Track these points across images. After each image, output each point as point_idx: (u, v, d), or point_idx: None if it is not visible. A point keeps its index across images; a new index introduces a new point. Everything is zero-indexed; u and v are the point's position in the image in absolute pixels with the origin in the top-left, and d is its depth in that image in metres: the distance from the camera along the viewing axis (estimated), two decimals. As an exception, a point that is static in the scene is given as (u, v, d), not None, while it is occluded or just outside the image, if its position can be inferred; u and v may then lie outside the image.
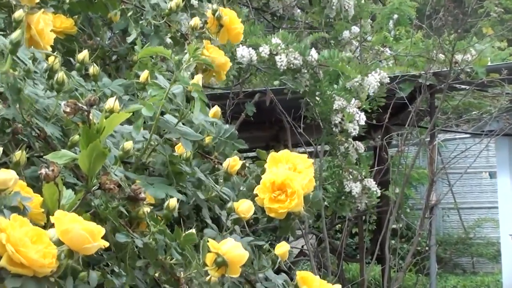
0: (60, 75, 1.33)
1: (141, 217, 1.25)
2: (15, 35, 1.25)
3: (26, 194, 1.12)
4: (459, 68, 3.97)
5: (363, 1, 4.44)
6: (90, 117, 1.22)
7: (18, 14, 1.39)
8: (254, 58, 3.12)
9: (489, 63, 4.16)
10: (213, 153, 1.61)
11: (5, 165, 1.20)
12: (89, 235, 1.01)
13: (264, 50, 3.13)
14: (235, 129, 1.65)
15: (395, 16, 4.65)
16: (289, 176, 1.43)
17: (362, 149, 3.46)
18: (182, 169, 1.42)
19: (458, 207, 8.11)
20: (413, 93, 4.23)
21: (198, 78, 1.42)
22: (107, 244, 1.04)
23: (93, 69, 1.54)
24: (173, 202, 1.30)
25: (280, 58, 3.13)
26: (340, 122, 3.21)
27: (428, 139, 4.43)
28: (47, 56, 1.44)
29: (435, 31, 4.16)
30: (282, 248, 1.43)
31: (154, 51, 1.56)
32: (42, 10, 1.45)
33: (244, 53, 3.09)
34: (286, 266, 1.48)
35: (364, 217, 4.94)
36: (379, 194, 3.47)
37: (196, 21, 1.82)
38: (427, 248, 5.14)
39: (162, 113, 1.38)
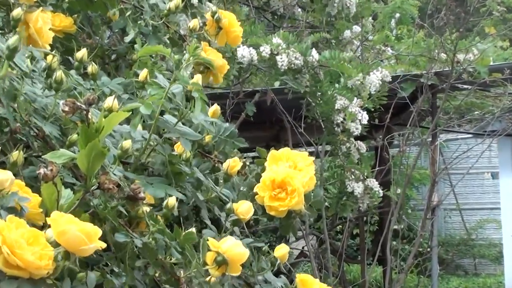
0: (59, 74, 1.33)
1: (140, 216, 1.25)
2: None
3: (24, 194, 1.12)
4: (461, 67, 3.97)
5: (364, -1, 4.44)
6: (89, 116, 1.22)
7: (17, 12, 1.39)
8: (255, 58, 3.12)
9: (491, 63, 4.15)
10: (213, 152, 1.61)
11: (3, 165, 1.20)
12: (85, 237, 1.01)
13: (265, 49, 3.13)
14: (235, 128, 1.65)
15: (397, 15, 4.64)
16: (290, 174, 1.43)
17: (364, 149, 3.46)
18: (181, 169, 1.42)
19: (460, 208, 8.11)
20: (415, 93, 4.23)
21: (198, 78, 1.42)
22: (104, 245, 1.04)
23: (92, 67, 1.54)
24: (172, 201, 1.30)
25: (281, 58, 3.13)
26: (342, 122, 3.21)
27: (430, 139, 4.42)
28: (46, 54, 1.44)
29: (437, 30, 4.16)
30: (281, 250, 1.43)
31: (154, 50, 1.56)
32: (41, 8, 1.45)
33: (244, 53, 3.09)
34: (286, 268, 1.47)
35: (365, 218, 4.94)
36: (381, 194, 3.47)
37: (195, 22, 1.82)
38: (428, 249, 5.13)
39: (162, 113, 1.38)
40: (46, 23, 1.46)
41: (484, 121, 4.76)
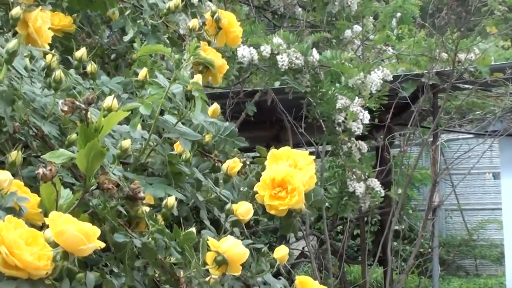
0: (58, 73, 1.33)
1: (140, 216, 1.25)
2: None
3: (22, 195, 1.12)
4: (463, 67, 3.96)
5: (366, -2, 4.44)
6: (88, 115, 1.22)
7: (16, 11, 1.39)
8: (255, 58, 3.11)
9: (492, 62, 4.15)
10: (213, 151, 1.61)
11: (1, 165, 1.20)
12: (84, 237, 1.01)
13: (266, 49, 3.13)
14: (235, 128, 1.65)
15: (398, 14, 4.64)
16: (290, 172, 1.43)
17: (365, 148, 3.46)
18: (181, 169, 1.42)
19: (461, 209, 8.11)
20: (416, 93, 4.22)
21: (198, 78, 1.42)
22: (103, 245, 1.04)
23: (91, 66, 1.54)
24: (171, 200, 1.30)
25: (282, 58, 3.13)
26: (343, 121, 3.21)
27: (431, 139, 4.42)
28: (45, 54, 1.44)
29: (438, 29, 4.16)
30: (281, 252, 1.43)
31: (154, 49, 1.56)
32: (40, 7, 1.45)
33: (245, 53, 3.09)
34: (287, 269, 1.47)
35: (366, 219, 4.94)
36: (383, 194, 3.47)
37: (194, 22, 1.82)
38: (429, 250, 5.13)
39: (162, 112, 1.38)
40: (45, 22, 1.46)
41: (486, 121, 4.76)
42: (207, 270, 1.25)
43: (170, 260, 1.25)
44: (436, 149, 4.40)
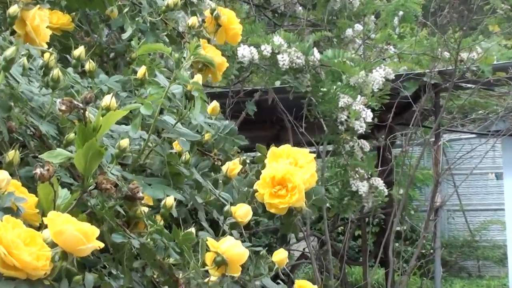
0: (56, 72, 1.33)
1: (138, 217, 1.25)
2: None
3: (20, 195, 1.12)
4: (465, 66, 3.97)
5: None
6: (86, 115, 1.22)
7: (13, 10, 1.39)
8: (256, 57, 3.12)
9: (495, 61, 4.15)
10: (213, 150, 1.61)
11: (-1, 165, 1.20)
12: (83, 236, 1.01)
13: (266, 48, 3.13)
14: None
15: (400, 12, 4.64)
16: (290, 170, 1.42)
17: (367, 147, 3.46)
18: (180, 169, 1.42)
19: (463, 209, 8.12)
20: (418, 92, 4.23)
21: (199, 78, 1.42)
22: (102, 245, 1.04)
23: (89, 65, 1.54)
24: (170, 200, 1.30)
25: (283, 57, 3.13)
26: (346, 120, 3.21)
27: (433, 139, 4.42)
28: (43, 52, 1.44)
29: (440, 28, 4.16)
30: (280, 255, 1.42)
31: (154, 48, 1.56)
32: (38, 6, 1.45)
33: (245, 52, 3.10)
34: (287, 270, 1.47)
35: (367, 219, 4.94)
36: (386, 193, 3.47)
37: (194, 19, 1.82)
38: (431, 251, 5.13)
39: (161, 111, 1.38)
40: (43, 21, 1.46)
41: (488, 121, 4.76)
42: (206, 271, 1.25)
43: (169, 261, 1.25)
44: (438, 149, 4.40)
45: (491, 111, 4.86)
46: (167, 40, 2.02)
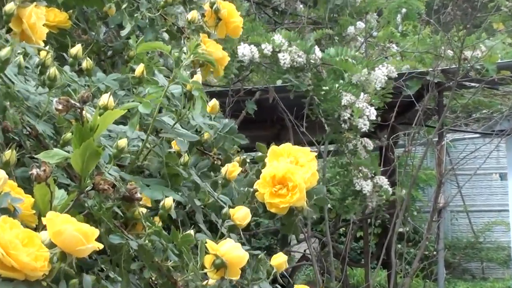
0: (52, 70, 1.32)
1: (136, 218, 1.25)
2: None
3: (17, 195, 1.12)
4: (469, 65, 3.97)
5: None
6: (84, 114, 1.22)
7: (9, 7, 1.39)
8: (256, 56, 3.12)
9: (499, 60, 4.15)
10: (212, 149, 1.61)
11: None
12: (82, 237, 1.01)
13: (267, 47, 3.13)
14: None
15: (403, 10, 4.64)
16: (290, 169, 1.42)
17: (371, 146, 3.46)
18: (178, 170, 1.42)
19: (467, 210, 8.11)
20: (421, 91, 4.22)
21: (198, 78, 1.42)
22: (101, 246, 1.04)
23: (87, 63, 1.53)
24: (168, 202, 1.30)
25: (283, 56, 3.13)
26: (349, 118, 3.21)
27: (436, 139, 4.42)
28: (39, 51, 1.44)
29: (443, 26, 4.16)
30: (278, 259, 1.42)
31: (153, 46, 1.56)
32: (34, 3, 1.45)
33: (245, 51, 3.10)
34: (288, 272, 1.47)
35: (369, 220, 4.94)
36: (391, 192, 3.47)
37: (193, 14, 1.82)
38: (434, 252, 5.14)
39: (160, 110, 1.38)
40: (40, 19, 1.46)
41: (492, 120, 4.76)
42: (205, 274, 1.25)
43: (167, 263, 1.25)
44: (442, 149, 4.40)
45: (495, 110, 4.86)
46: (166, 36, 2.02)
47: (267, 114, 4.39)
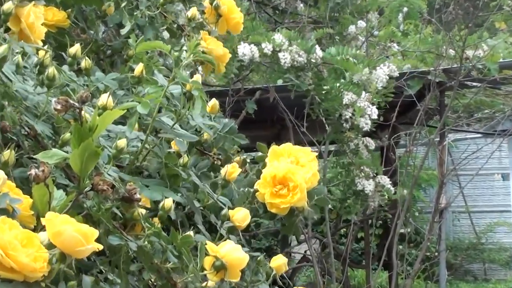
0: (51, 70, 1.33)
1: (136, 219, 1.25)
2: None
3: (15, 196, 1.12)
4: (470, 64, 3.97)
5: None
6: (82, 114, 1.22)
7: (7, 6, 1.39)
8: (256, 55, 3.12)
9: (501, 59, 4.15)
10: (212, 149, 1.61)
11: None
12: (82, 237, 1.01)
13: (267, 47, 3.14)
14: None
15: (405, 9, 4.64)
16: (291, 169, 1.42)
17: (372, 145, 3.46)
18: (177, 171, 1.42)
19: (469, 211, 8.11)
20: (422, 91, 4.23)
21: (198, 77, 1.42)
22: (101, 247, 1.04)
23: (85, 62, 1.53)
24: (168, 203, 1.30)
25: (284, 55, 3.14)
26: (350, 117, 3.21)
27: (438, 139, 4.42)
28: (38, 50, 1.44)
29: (445, 25, 4.16)
30: (278, 261, 1.42)
31: (153, 46, 1.56)
32: (33, 2, 1.45)
33: (245, 51, 3.10)
34: (288, 274, 1.47)
35: (370, 221, 4.94)
36: (393, 191, 3.47)
37: (193, 11, 1.82)
38: (436, 253, 5.13)
39: (159, 110, 1.38)
40: (38, 18, 1.46)
41: (494, 120, 4.77)
42: (205, 276, 1.25)
43: (166, 264, 1.25)
44: (443, 149, 4.40)
45: (497, 110, 4.86)
46: (166, 34, 2.02)
47: (267, 114, 4.39)
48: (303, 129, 3.68)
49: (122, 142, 1.26)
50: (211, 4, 1.86)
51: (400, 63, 4.38)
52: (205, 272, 1.24)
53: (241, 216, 1.42)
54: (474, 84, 4.35)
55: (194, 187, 1.48)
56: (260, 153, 1.58)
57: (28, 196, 1.16)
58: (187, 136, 1.42)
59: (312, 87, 3.27)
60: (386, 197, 3.49)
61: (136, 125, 1.42)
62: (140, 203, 1.25)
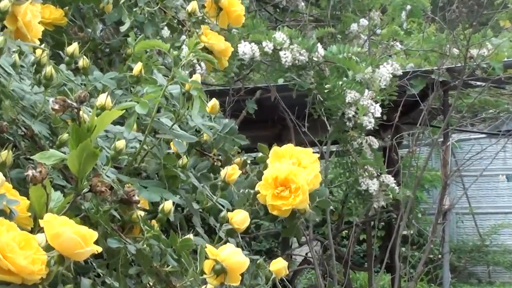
0: (48, 69, 1.33)
1: (134, 221, 1.25)
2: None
3: (12, 197, 1.12)
4: (475, 63, 3.96)
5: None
6: (80, 114, 1.22)
7: (4, 4, 1.39)
8: (257, 54, 3.12)
9: (506, 58, 4.15)
10: (212, 150, 1.61)
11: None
12: (81, 239, 1.01)
13: (268, 45, 3.14)
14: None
15: (408, 7, 4.63)
16: (293, 171, 1.42)
17: (376, 144, 3.46)
18: (176, 172, 1.42)
19: (473, 212, 8.10)
20: (425, 90, 4.22)
21: (197, 77, 1.42)
22: (100, 249, 1.04)
23: (83, 61, 1.54)
24: (168, 205, 1.30)
25: (285, 54, 3.13)
26: (353, 116, 3.20)
27: (441, 139, 4.42)
28: (35, 49, 1.44)
29: (449, 23, 4.16)
30: (278, 264, 1.42)
31: (152, 44, 1.56)
32: (30, 0, 1.45)
33: (246, 49, 3.10)
34: (289, 275, 1.47)
35: (372, 223, 4.94)
36: (398, 191, 3.47)
37: (193, 5, 1.82)
38: (439, 256, 5.13)
39: (158, 110, 1.38)
40: (35, 16, 1.46)
41: (499, 120, 4.76)
42: (204, 279, 1.25)
43: (165, 268, 1.25)
44: (447, 149, 4.40)
45: (502, 110, 4.86)
46: (166, 31, 2.02)
47: (268, 113, 4.39)
48: (304, 129, 3.68)
49: (121, 143, 1.26)
50: (211, -3, 1.86)
51: (404, 61, 4.37)
52: (204, 276, 1.24)
53: (240, 218, 1.42)
54: (478, 83, 4.34)
55: (193, 188, 1.48)
56: (260, 154, 1.58)
57: (25, 198, 1.16)
58: (186, 136, 1.42)
59: (314, 85, 3.27)
60: (391, 197, 3.48)
61: (135, 126, 1.42)
62: (138, 205, 1.25)
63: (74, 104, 1.22)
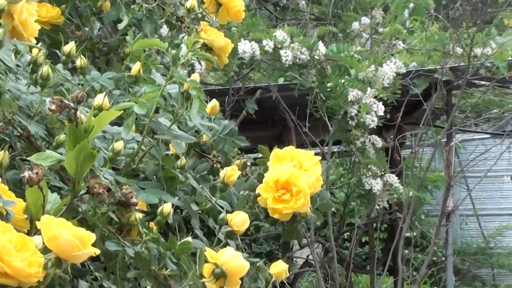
0: (45, 69, 1.33)
1: (132, 223, 1.25)
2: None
3: (8, 199, 1.12)
4: (478, 62, 3.96)
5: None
6: (78, 115, 1.22)
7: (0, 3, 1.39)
8: (257, 53, 3.12)
9: (511, 57, 4.15)
10: (212, 151, 1.61)
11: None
12: (78, 242, 1.01)
13: (268, 44, 3.14)
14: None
15: (411, 5, 4.63)
16: (294, 174, 1.42)
17: (379, 143, 3.46)
18: (174, 173, 1.42)
19: (477, 214, 8.11)
20: (428, 90, 4.22)
21: (196, 76, 1.42)
22: (98, 251, 1.04)
23: (81, 61, 1.54)
24: (167, 208, 1.30)
25: (285, 53, 3.13)
26: (356, 115, 3.20)
27: (445, 139, 4.42)
28: (31, 48, 1.44)
29: (452, 22, 4.15)
30: (278, 267, 1.42)
31: (150, 43, 1.56)
32: (26, -2, 1.45)
33: (246, 48, 3.10)
34: (290, 278, 1.47)
35: (375, 225, 4.94)
36: (401, 190, 3.47)
37: (192, 1, 1.82)
38: (443, 258, 5.13)
39: (157, 110, 1.38)
40: (31, 15, 1.46)
41: (503, 120, 4.77)
42: (203, 283, 1.25)
43: (164, 271, 1.25)
44: (450, 150, 4.40)
45: (506, 110, 4.86)
46: (165, 29, 2.02)
47: (268, 113, 4.39)
48: (306, 130, 3.68)
49: (119, 144, 1.26)
50: (210, -8, 1.86)
51: (407, 59, 4.37)
52: (204, 279, 1.24)
53: (239, 220, 1.42)
54: (482, 83, 4.34)
55: (192, 190, 1.48)
56: (260, 155, 1.58)
57: (22, 199, 1.16)
58: (184, 137, 1.42)
59: (316, 84, 3.27)
60: (395, 197, 3.48)
61: (133, 126, 1.42)
62: (136, 207, 1.25)
63: (71, 104, 1.22)
